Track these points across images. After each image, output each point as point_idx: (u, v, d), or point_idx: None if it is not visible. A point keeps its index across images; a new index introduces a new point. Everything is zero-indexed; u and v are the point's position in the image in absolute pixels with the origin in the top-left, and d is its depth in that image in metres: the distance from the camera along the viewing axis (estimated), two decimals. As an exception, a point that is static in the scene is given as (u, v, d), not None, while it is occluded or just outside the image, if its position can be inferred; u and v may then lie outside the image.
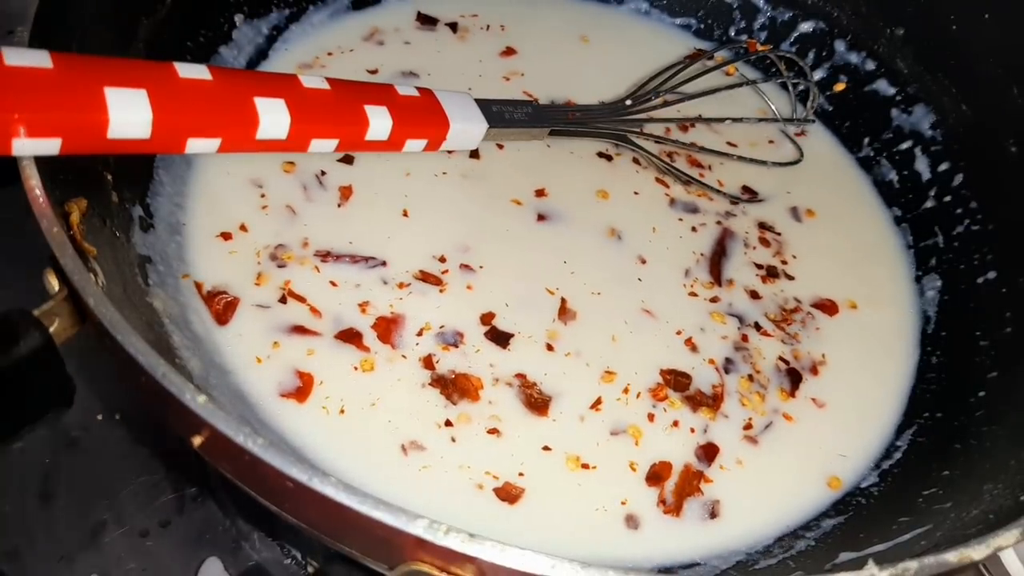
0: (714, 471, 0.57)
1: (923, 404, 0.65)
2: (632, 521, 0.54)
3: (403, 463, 0.53)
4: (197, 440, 0.39)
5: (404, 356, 0.57)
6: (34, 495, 0.64)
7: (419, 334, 0.59)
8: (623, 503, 0.54)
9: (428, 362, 0.57)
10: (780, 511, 0.57)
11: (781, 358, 0.64)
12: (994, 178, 0.71)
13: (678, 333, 0.63)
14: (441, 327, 0.59)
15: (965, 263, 0.70)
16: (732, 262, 0.69)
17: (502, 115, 0.69)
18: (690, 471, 0.57)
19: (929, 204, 0.75)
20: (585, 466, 0.55)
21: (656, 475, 0.56)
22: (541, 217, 0.68)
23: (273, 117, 0.55)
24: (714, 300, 0.66)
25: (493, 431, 0.55)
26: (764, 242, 0.72)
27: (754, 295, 0.67)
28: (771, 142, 0.82)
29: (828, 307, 0.69)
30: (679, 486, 0.56)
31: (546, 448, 0.55)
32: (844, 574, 0.36)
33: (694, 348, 0.63)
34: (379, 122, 0.61)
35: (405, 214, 0.65)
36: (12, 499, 0.64)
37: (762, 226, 0.73)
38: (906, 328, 0.70)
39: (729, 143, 0.80)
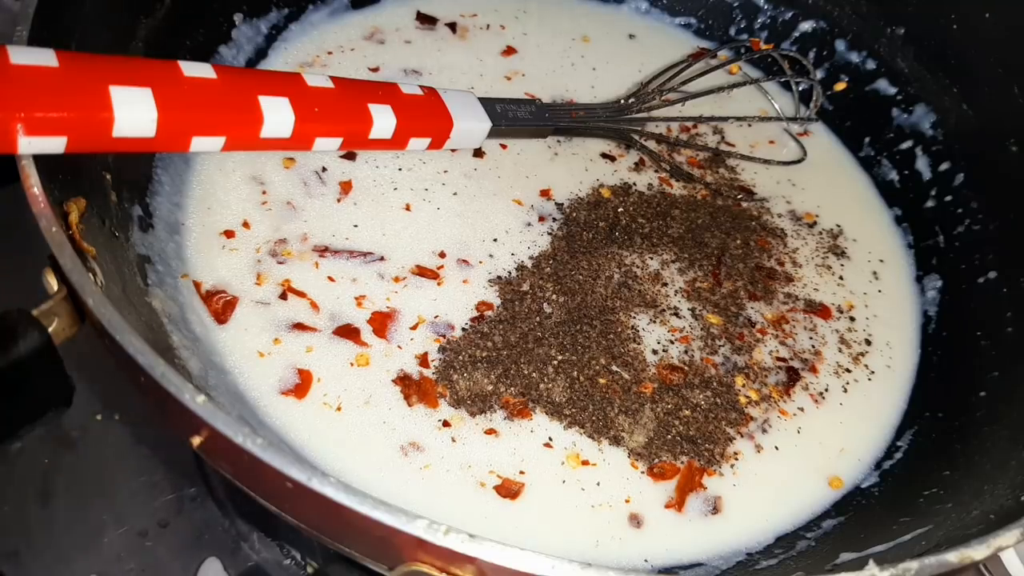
0: (715, 468, 0.57)
1: (924, 404, 0.65)
2: (635, 518, 0.54)
3: (403, 462, 0.53)
4: (196, 440, 0.39)
5: (400, 347, 0.57)
6: (33, 495, 0.64)
7: (413, 328, 0.59)
8: (627, 501, 0.54)
9: (424, 360, 0.57)
10: (781, 510, 0.57)
11: (780, 357, 0.64)
12: (995, 178, 0.71)
13: (676, 331, 0.63)
14: (435, 317, 0.59)
15: (966, 263, 0.70)
16: (732, 262, 0.69)
17: (506, 114, 0.69)
18: (692, 467, 0.56)
19: (930, 204, 0.75)
20: (586, 463, 0.55)
21: (659, 472, 0.56)
22: (542, 218, 0.68)
23: (277, 115, 0.56)
24: (713, 299, 0.66)
25: (491, 431, 0.55)
26: (764, 242, 0.72)
27: (753, 295, 0.67)
28: (772, 142, 0.81)
29: (828, 307, 0.69)
30: (681, 482, 0.56)
31: (547, 445, 0.55)
32: (845, 574, 0.36)
33: (692, 347, 0.63)
34: (383, 121, 0.61)
35: (408, 208, 0.65)
36: (12, 499, 0.64)
37: (763, 226, 0.73)
38: (907, 328, 0.70)
39: (729, 143, 0.80)
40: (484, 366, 0.57)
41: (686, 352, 0.62)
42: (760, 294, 0.68)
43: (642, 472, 0.56)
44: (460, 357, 0.57)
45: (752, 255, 0.70)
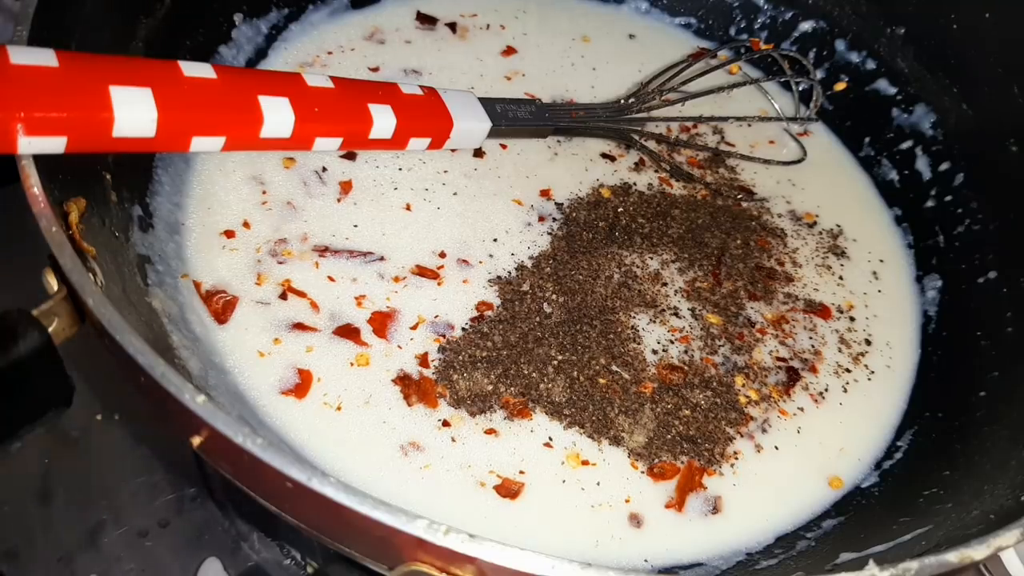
0: (715, 468, 0.57)
1: (924, 404, 0.65)
2: (635, 518, 0.54)
3: (403, 461, 0.53)
4: (196, 440, 0.39)
5: (400, 347, 0.57)
6: (33, 495, 0.64)
7: (413, 328, 0.59)
8: (627, 501, 0.54)
9: (424, 360, 0.57)
10: (781, 510, 0.57)
11: (780, 357, 0.64)
12: (995, 178, 0.71)
13: (676, 331, 0.63)
14: (435, 317, 0.59)
15: (966, 263, 0.70)
16: (732, 262, 0.69)
17: (506, 114, 0.69)
18: (692, 467, 0.56)
19: (930, 204, 0.75)
20: (586, 463, 0.55)
21: (659, 472, 0.56)
22: (542, 218, 0.68)
23: (277, 115, 0.56)
24: (713, 299, 0.66)
25: (491, 431, 0.55)
26: (764, 242, 0.72)
27: (753, 295, 0.67)
28: (772, 142, 0.81)
29: (828, 307, 0.69)
30: (681, 482, 0.56)
31: (547, 445, 0.55)
32: (845, 574, 0.36)
33: (692, 347, 0.63)
34: (383, 121, 0.61)
35: (408, 208, 0.65)
36: (11, 499, 0.64)
37: (763, 226, 0.73)
38: (907, 328, 0.70)
39: (729, 143, 0.80)
40: (484, 366, 0.57)
41: (686, 352, 0.62)
42: (760, 294, 0.68)
43: (642, 472, 0.56)
44: (460, 357, 0.57)
45: (752, 255, 0.70)
